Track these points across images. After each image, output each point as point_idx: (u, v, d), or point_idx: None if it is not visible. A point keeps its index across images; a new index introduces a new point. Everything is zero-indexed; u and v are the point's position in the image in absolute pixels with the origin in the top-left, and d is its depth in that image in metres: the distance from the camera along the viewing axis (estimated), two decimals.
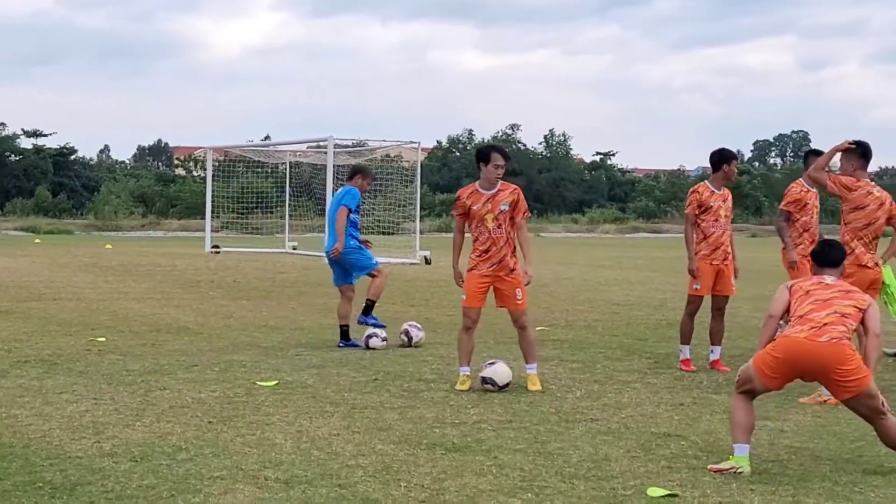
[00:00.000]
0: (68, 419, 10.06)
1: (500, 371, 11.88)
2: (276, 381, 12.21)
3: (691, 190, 13.80)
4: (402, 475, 8.22)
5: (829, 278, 9.01)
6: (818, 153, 13.37)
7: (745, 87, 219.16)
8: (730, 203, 13.70)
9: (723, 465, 8.49)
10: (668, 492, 7.84)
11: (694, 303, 13.66)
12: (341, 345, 15.19)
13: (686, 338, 13.65)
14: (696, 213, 13.56)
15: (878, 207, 12.22)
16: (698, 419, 10.50)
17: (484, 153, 12.23)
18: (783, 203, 13.73)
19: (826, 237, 10.60)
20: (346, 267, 15.55)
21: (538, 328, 17.41)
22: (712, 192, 13.54)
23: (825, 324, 8.52)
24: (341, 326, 15.41)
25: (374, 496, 7.65)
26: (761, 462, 8.78)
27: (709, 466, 8.56)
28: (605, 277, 30.40)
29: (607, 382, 12.54)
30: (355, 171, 16.05)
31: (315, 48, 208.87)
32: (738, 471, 8.38)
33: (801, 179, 13.73)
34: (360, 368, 13.27)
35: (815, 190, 13.65)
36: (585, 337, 16.78)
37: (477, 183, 12.25)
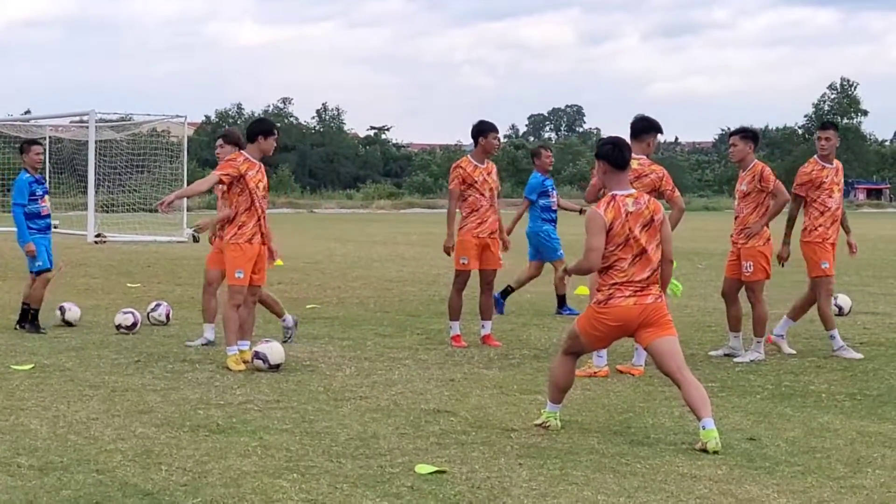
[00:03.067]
0: None
1: (275, 349, 11.61)
2: (31, 365, 11.76)
3: (454, 165, 13.81)
4: (163, 458, 8.00)
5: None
6: (832, 126, 13.47)
7: (525, 62, 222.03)
8: (495, 176, 13.66)
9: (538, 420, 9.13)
10: (437, 468, 7.78)
11: (461, 277, 13.64)
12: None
13: (455, 313, 13.61)
14: (461, 188, 13.55)
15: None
16: (468, 395, 10.46)
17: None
18: (795, 184, 13.19)
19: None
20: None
21: (308, 306, 17.25)
22: (475, 166, 13.53)
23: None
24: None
25: (134, 481, 7.43)
26: (530, 437, 8.78)
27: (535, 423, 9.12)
28: (379, 254, 30.40)
29: (378, 360, 12.43)
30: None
31: (88, 21, 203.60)
32: (548, 425, 9.02)
33: (815, 157, 13.25)
34: (122, 350, 12.88)
35: (831, 166, 13.20)
36: (357, 314, 16.65)
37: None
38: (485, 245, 13.53)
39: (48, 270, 14.86)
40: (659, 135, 12.20)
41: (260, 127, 12.15)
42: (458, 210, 13.60)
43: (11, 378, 11.03)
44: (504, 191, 73.52)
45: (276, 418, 9.34)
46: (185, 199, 39.44)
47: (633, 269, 8.76)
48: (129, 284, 20.75)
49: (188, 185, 19.72)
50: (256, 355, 11.59)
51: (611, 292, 8.77)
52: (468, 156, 13.70)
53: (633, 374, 11.67)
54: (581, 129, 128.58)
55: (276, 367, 11.51)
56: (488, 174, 13.56)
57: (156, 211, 43.62)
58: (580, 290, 17.87)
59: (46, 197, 14.87)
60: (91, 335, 14.06)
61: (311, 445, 8.42)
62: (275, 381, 10.99)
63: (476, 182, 13.45)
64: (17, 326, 14.59)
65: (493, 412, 9.65)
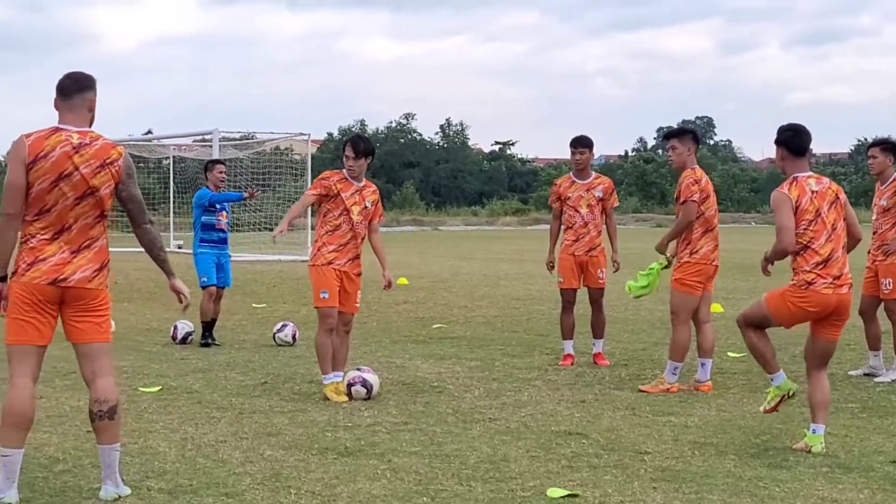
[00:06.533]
0: None
1: (375, 379, 11.41)
2: (159, 387, 11.79)
3: (553, 181, 13.70)
4: (291, 482, 7.92)
5: None
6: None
7: (659, 72, 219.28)
8: (597, 192, 13.40)
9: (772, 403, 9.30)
10: (569, 492, 7.62)
11: (562, 296, 13.57)
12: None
13: (564, 332, 13.62)
14: (556, 205, 13.55)
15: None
16: (600, 416, 10.26)
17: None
18: None
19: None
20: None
21: (434, 325, 17.17)
22: (573, 181, 13.43)
23: None
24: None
25: None
26: (664, 459, 8.57)
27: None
28: (505, 271, 30.21)
29: (506, 380, 12.27)
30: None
31: (217, 38, 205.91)
32: (792, 394, 9.25)
33: None
34: (249, 372, 12.87)
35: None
36: (484, 334, 16.51)
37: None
38: (582, 263, 13.34)
39: (213, 286, 15.48)
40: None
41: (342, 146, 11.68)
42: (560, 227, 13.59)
43: (140, 400, 11.06)
44: (631, 205, 72.55)
45: (404, 440, 9.22)
46: (308, 218, 39.71)
47: (829, 246, 8.83)
48: (254, 305, 20.85)
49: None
50: (363, 383, 11.18)
51: (812, 277, 8.83)
52: (571, 172, 13.56)
53: (704, 391, 11.54)
54: (711, 142, 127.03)
55: (371, 397, 11.21)
56: (587, 190, 13.34)
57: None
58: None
59: (224, 213, 15.62)
60: (217, 356, 14.09)
61: (440, 468, 8.29)
62: (402, 403, 10.88)
63: (570, 198, 13.31)
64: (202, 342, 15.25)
65: (625, 434, 9.45)
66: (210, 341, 15.26)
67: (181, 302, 8.09)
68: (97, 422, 7.51)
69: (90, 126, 7.53)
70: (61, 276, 7.29)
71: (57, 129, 7.37)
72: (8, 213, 7.33)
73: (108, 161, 7.38)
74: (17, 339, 7.34)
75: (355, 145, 11.33)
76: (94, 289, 7.41)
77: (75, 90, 7.47)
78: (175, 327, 15.61)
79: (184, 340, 15.37)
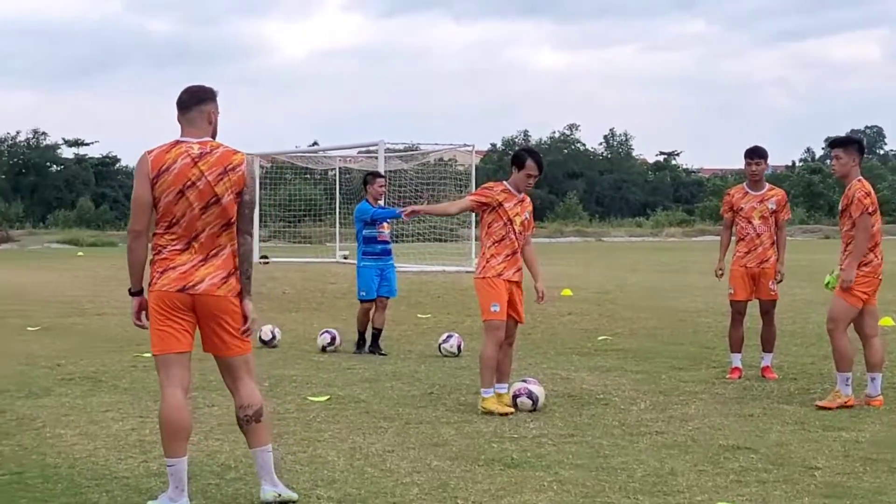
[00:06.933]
0: (114, 438, 9.83)
1: (540, 390, 11.36)
2: (327, 396, 11.94)
3: (725, 192, 13.56)
4: (458, 492, 7.94)
5: None
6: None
7: (828, 82, 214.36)
8: (768, 205, 13.24)
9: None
10: None
11: (732, 307, 13.45)
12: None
13: (733, 345, 13.46)
14: (728, 215, 13.52)
15: None
16: (768, 430, 10.10)
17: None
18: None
19: None
20: None
21: (599, 337, 17.12)
22: (746, 192, 13.33)
23: None
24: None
25: None
26: (835, 475, 8.42)
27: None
28: (671, 283, 29.98)
29: (673, 393, 12.16)
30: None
31: (384, 50, 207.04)
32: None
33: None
34: (415, 382, 12.97)
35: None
36: (650, 346, 16.40)
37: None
38: (754, 275, 13.18)
39: (371, 301, 15.75)
40: None
41: (513, 158, 11.58)
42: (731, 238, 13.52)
43: (309, 409, 11.21)
44: (798, 216, 71.37)
45: (570, 453, 9.19)
46: (472, 229, 39.88)
47: None
48: (419, 315, 20.99)
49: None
50: (529, 394, 11.12)
51: None
52: (744, 182, 13.40)
53: (875, 406, 11.28)
54: (881, 151, 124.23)
55: (537, 409, 11.16)
56: (760, 202, 13.18)
57: (445, 241, 44.35)
58: None
59: (385, 224, 15.80)
60: (383, 367, 14.23)
61: (607, 481, 8.24)
62: (568, 415, 10.86)
63: (743, 209, 13.19)
64: (369, 351, 15.65)
65: (794, 449, 9.28)
66: (376, 351, 15.51)
67: (244, 324, 7.71)
68: (245, 426, 7.64)
69: (213, 137, 7.63)
70: (189, 284, 7.41)
71: (177, 143, 7.50)
72: (135, 229, 7.49)
73: (229, 167, 7.46)
74: (159, 349, 7.50)
75: (540, 163, 11.42)
76: (222, 296, 7.49)
77: (193, 103, 7.58)
78: (270, 332, 16.34)
79: (323, 349, 15.88)
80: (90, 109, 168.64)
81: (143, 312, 7.65)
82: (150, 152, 7.48)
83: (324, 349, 15.82)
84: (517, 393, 11.11)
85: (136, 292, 7.65)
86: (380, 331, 15.75)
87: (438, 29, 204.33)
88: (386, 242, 15.85)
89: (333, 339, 15.98)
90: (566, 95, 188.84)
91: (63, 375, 13.54)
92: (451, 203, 11.93)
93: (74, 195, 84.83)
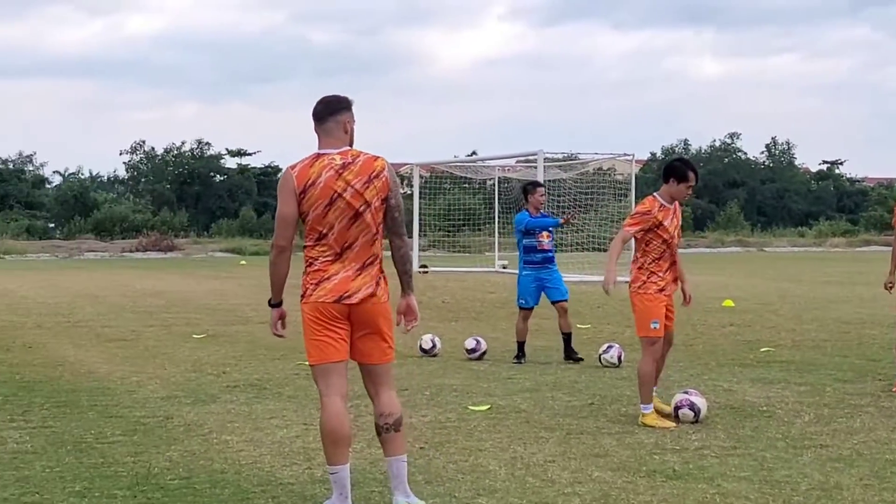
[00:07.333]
0: (279, 445, 9.99)
1: (702, 402, 11.24)
2: (488, 406, 11.96)
3: (894, 201, 13.31)
4: (620, 503, 7.87)
5: None
6: None
7: None
8: None
9: None
10: None
11: None
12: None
13: None
14: None
15: None
16: None
17: None
18: None
19: None
20: None
21: (762, 349, 16.89)
22: None
23: None
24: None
25: None
26: None
27: None
28: (835, 294, 29.41)
29: (838, 406, 11.93)
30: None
31: (542, 59, 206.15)
32: None
33: None
34: (575, 392, 12.93)
35: None
36: (814, 358, 16.11)
37: None
38: None
39: (529, 309, 15.99)
40: None
41: (672, 171, 11.26)
42: None
43: (470, 419, 11.25)
44: None
45: (733, 465, 9.08)
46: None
47: None
48: (579, 325, 20.91)
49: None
50: (691, 406, 10.99)
51: None
52: None
53: None
54: None
55: (699, 421, 11.02)
56: None
57: (605, 251, 44.11)
58: None
59: (545, 233, 15.88)
60: (544, 376, 14.22)
61: (771, 494, 8.13)
62: (730, 427, 10.73)
63: None
64: (564, 359, 15.86)
65: None
66: (571, 356, 15.79)
67: (406, 324, 7.84)
68: (384, 434, 7.67)
69: (350, 146, 7.65)
70: (346, 294, 7.46)
71: (319, 156, 7.54)
72: (279, 244, 7.61)
73: (373, 175, 7.49)
74: (317, 359, 7.57)
75: (697, 173, 11.31)
76: (378, 303, 7.54)
77: (328, 113, 7.62)
78: (431, 341, 16.57)
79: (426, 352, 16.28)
80: (253, 119, 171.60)
81: (280, 322, 7.86)
82: (293, 167, 7.55)
83: (469, 353, 16.07)
84: (679, 405, 11.02)
85: (276, 304, 7.82)
86: (569, 335, 15.90)
87: (598, 37, 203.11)
88: (547, 251, 15.88)
89: (478, 344, 16.19)
90: (727, 104, 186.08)
91: (228, 382, 13.81)
92: (617, 245, 11.47)
93: (237, 204, 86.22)
